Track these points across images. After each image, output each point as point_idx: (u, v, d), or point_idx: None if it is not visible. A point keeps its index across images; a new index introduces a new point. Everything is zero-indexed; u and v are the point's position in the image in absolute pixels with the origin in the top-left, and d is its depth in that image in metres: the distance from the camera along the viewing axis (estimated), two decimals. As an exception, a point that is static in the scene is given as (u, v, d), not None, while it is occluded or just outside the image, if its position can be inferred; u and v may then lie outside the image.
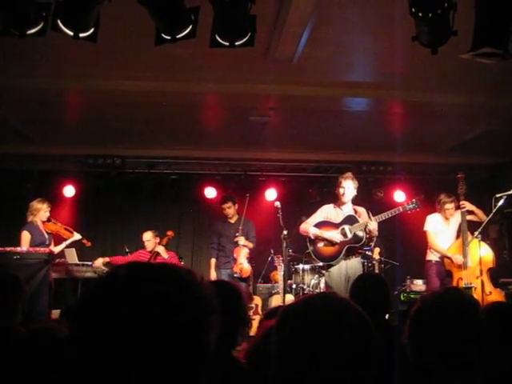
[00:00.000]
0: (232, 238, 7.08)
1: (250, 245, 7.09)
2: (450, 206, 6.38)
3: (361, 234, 5.49)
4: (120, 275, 0.96)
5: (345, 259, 5.51)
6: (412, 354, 1.75)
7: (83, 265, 7.20)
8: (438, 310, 1.76)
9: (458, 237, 6.27)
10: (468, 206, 6.14)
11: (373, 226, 5.43)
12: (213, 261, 7.22)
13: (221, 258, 7.14)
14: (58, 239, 6.80)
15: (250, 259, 7.13)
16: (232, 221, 7.25)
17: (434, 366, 1.69)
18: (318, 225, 5.69)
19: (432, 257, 6.44)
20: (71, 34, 3.39)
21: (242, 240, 7.00)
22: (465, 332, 1.71)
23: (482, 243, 5.91)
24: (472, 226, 6.11)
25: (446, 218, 6.44)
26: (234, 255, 6.99)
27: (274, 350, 1.20)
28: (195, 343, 0.93)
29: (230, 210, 7.22)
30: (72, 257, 7.21)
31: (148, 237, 7.51)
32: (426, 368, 1.71)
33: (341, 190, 5.65)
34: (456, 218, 6.37)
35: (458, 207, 6.34)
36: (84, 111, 6.91)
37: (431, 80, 5.80)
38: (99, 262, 7.17)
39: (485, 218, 6.10)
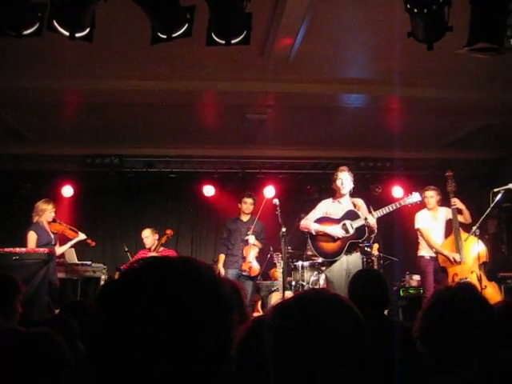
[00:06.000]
0: (243, 236, 7.02)
1: (260, 245, 7.04)
2: (428, 193, 6.38)
3: (362, 229, 5.49)
4: (144, 271, 0.95)
5: (346, 254, 5.50)
6: (423, 347, 1.75)
7: (82, 265, 7.21)
8: (452, 305, 1.76)
9: (446, 232, 6.29)
10: (458, 203, 6.15)
11: (372, 221, 5.45)
12: (222, 256, 7.14)
13: (228, 256, 7.06)
14: (63, 239, 6.81)
15: (259, 259, 7.09)
16: (244, 219, 7.19)
17: (444, 360, 1.69)
18: (318, 221, 5.66)
19: (425, 252, 6.40)
20: (67, 34, 3.39)
21: (252, 239, 6.92)
22: (477, 327, 1.71)
23: (475, 238, 5.89)
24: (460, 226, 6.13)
25: (430, 209, 6.42)
26: (244, 254, 6.93)
27: (266, 347, 1.20)
28: (219, 340, 0.93)
29: (250, 206, 7.12)
30: (71, 257, 7.22)
31: (147, 233, 7.51)
32: (435, 361, 1.71)
33: (338, 182, 5.65)
34: (443, 214, 6.38)
35: (440, 203, 6.38)
36: (81, 111, 6.89)
37: (428, 75, 5.80)
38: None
39: (470, 221, 6.15)
